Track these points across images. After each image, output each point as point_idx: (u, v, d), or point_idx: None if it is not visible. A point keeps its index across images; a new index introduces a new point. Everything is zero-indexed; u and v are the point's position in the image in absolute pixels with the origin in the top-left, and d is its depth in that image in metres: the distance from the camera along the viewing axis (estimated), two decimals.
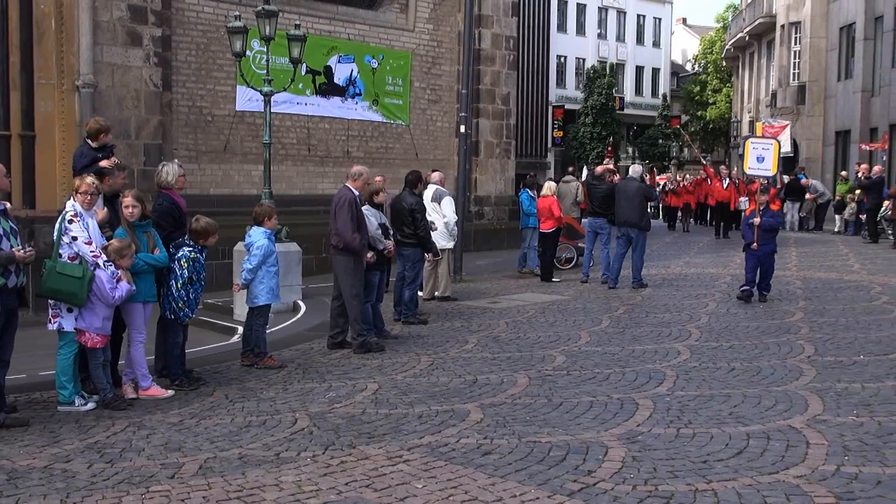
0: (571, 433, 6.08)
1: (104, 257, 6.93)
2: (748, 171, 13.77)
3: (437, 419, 6.55)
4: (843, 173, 27.13)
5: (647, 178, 26.02)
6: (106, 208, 7.39)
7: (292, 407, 7.02)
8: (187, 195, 9.18)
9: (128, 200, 7.32)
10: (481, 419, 6.50)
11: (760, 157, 12.96)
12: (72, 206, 6.96)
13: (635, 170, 15.29)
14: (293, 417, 6.69)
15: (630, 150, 57.44)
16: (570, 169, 25.13)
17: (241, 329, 10.83)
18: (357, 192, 9.38)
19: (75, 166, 8.28)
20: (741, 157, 14.07)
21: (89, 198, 7.01)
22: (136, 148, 14.80)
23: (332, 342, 9.53)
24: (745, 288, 12.29)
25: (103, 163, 7.95)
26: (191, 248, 7.72)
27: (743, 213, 13.41)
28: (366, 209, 9.70)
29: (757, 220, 12.02)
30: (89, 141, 8.33)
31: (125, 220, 7.31)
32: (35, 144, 13.84)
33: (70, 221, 6.88)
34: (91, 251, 6.87)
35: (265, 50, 12.55)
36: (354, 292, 9.25)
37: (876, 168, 22.73)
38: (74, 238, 6.85)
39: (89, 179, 7.11)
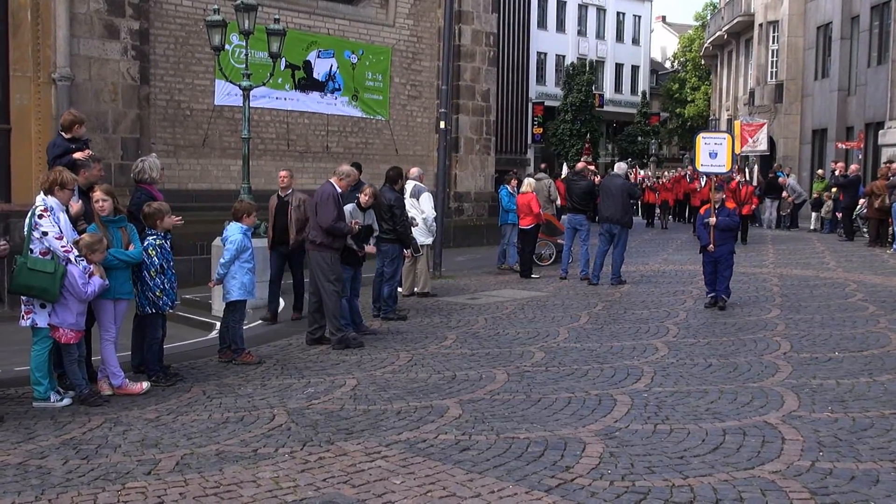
0: (549, 429, 6.10)
1: (76, 252, 6.85)
2: (700, 169, 12.84)
3: (416, 415, 6.54)
4: (820, 171, 27.36)
5: (631, 175, 26.26)
6: (81, 202, 7.32)
7: (270, 403, 6.99)
8: (164, 190, 9.12)
9: (98, 195, 7.23)
10: (460, 415, 6.51)
11: (713, 153, 12.11)
12: (42, 200, 6.86)
13: (620, 167, 15.35)
14: (271, 413, 6.66)
15: (609, 147, 57.67)
16: (543, 166, 25.21)
17: (218, 325, 10.81)
18: (340, 191, 9.38)
19: (48, 158, 8.20)
20: (687, 152, 13.30)
21: (64, 192, 6.94)
22: (113, 142, 14.68)
23: (310, 338, 9.50)
24: (712, 295, 11.66)
25: (77, 155, 7.85)
26: (155, 236, 7.66)
27: (700, 213, 12.78)
28: (351, 207, 9.74)
29: (712, 220, 11.37)
30: (63, 133, 8.24)
31: (96, 214, 7.23)
32: (10, 138, 13.69)
33: (40, 216, 6.78)
34: (62, 246, 6.78)
35: (244, 44, 12.48)
36: (333, 288, 9.23)
37: (853, 167, 22.94)
38: (45, 233, 6.76)
39: (69, 174, 7.03)
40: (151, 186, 8.18)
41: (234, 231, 8.63)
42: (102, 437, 6.10)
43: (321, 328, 9.48)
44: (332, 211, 9.10)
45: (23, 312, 6.90)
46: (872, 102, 27.29)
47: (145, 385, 7.42)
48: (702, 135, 12.58)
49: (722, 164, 12.17)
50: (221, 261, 8.54)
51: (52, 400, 6.89)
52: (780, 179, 25.97)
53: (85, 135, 8.48)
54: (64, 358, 7.04)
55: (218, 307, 11.38)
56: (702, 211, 11.97)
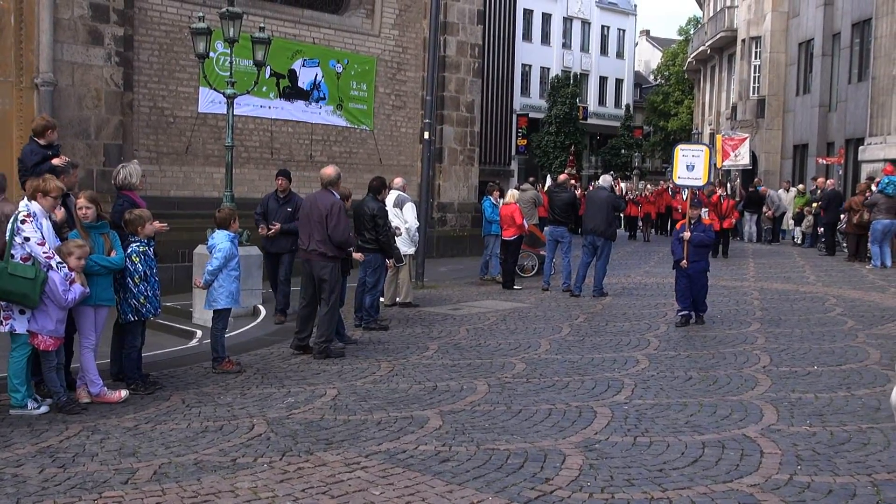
0: (529, 441, 6.10)
1: (57, 258, 6.80)
2: (678, 182, 12.43)
3: (396, 426, 6.53)
4: (801, 186, 27.57)
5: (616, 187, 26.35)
6: (63, 208, 7.27)
7: (250, 412, 6.96)
8: (147, 197, 9.09)
9: (81, 202, 7.20)
10: (440, 426, 6.50)
11: (690, 166, 11.83)
12: (25, 205, 6.82)
13: (605, 179, 15.39)
14: (250, 423, 6.62)
15: (593, 159, 57.92)
16: (531, 179, 25.26)
17: (199, 332, 10.77)
18: (339, 197, 9.43)
19: (26, 164, 8.11)
20: (670, 165, 12.88)
21: (52, 200, 6.91)
22: (95, 148, 14.60)
23: (297, 342, 9.45)
24: (683, 313, 11.23)
25: (56, 161, 7.80)
26: (138, 243, 7.62)
27: (675, 228, 12.44)
28: None
29: (687, 235, 11.06)
30: (36, 139, 8.18)
31: (79, 221, 7.19)
32: None
33: (23, 222, 6.74)
34: (44, 252, 6.73)
35: (229, 52, 12.44)
36: (338, 297, 9.33)
37: (829, 182, 23.12)
38: (27, 238, 6.71)
39: (57, 182, 6.99)
40: (133, 193, 8.14)
41: (221, 239, 8.56)
42: (79, 445, 6.05)
43: (310, 336, 9.45)
44: (346, 224, 9.14)
45: (1, 318, 6.83)
46: (853, 119, 27.56)
47: (124, 393, 7.36)
48: (680, 146, 12.35)
49: (698, 178, 11.91)
50: (209, 268, 8.45)
51: (29, 407, 6.83)
52: (761, 190, 26.15)
53: (56, 140, 8.43)
54: (42, 365, 6.97)
55: (199, 315, 11.34)
56: (678, 226, 11.68)
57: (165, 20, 15.93)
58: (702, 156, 11.92)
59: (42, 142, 8.13)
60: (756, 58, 35.86)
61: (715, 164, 24.64)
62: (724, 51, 41.74)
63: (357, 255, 10.54)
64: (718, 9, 42.29)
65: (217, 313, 8.58)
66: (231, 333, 10.19)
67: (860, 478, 5.32)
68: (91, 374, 7.22)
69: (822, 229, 22.36)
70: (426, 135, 15.67)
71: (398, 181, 13.12)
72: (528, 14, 54.28)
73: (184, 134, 16.29)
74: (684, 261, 11.12)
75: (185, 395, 7.54)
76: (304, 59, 18.19)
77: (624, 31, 62.84)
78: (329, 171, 9.56)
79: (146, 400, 7.35)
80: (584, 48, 59.67)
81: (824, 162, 27.75)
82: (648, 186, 31.66)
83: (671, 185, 28.57)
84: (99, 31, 14.57)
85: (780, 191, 27.38)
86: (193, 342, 10.51)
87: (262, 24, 13.48)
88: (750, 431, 6.32)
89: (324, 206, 9.18)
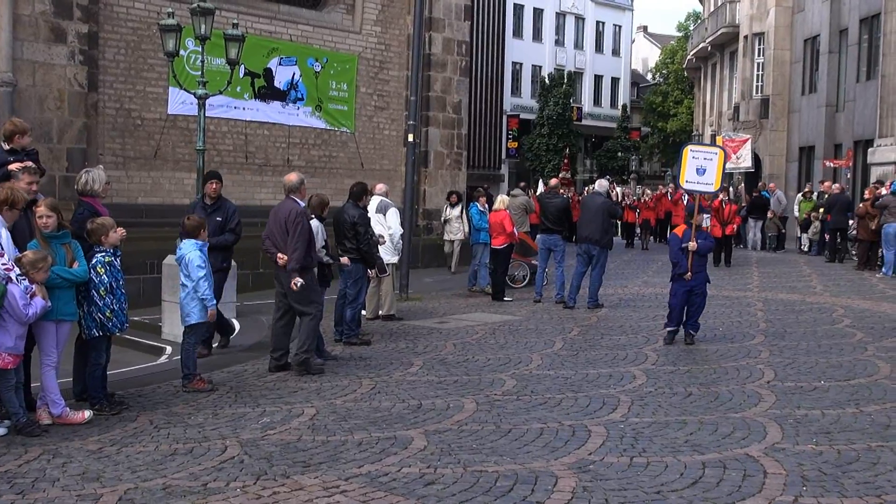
0: (520, 462, 6.11)
1: (17, 270, 6.77)
2: (685, 186, 11.74)
3: (378, 447, 6.52)
4: (806, 189, 27.66)
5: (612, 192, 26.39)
6: None
7: (222, 433, 6.94)
8: (113, 204, 9.07)
9: (41, 210, 7.17)
10: (425, 447, 6.50)
11: (701, 169, 11.23)
12: None
13: (601, 184, 15.41)
14: (223, 445, 6.61)
15: (588, 162, 58.10)
16: (522, 184, 25.31)
17: (169, 349, 10.74)
18: (304, 205, 9.43)
19: None
20: (676, 166, 12.08)
21: (17, 213, 6.90)
22: (58, 152, 14.55)
23: (275, 364, 9.41)
24: (671, 329, 10.98)
25: (13, 166, 7.77)
26: (103, 253, 7.59)
27: (673, 235, 11.62)
28: (313, 223, 9.74)
29: (693, 244, 10.68)
30: (3, 144, 8.16)
31: (38, 230, 7.15)
32: None
33: None
34: (2, 264, 6.70)
35: (200, 50, 12.45)
36: (316, 310, 9.33)
37: (835, 186, 23.27)
38: None
39: (24, 195, 6.99)
40: (95, 200, 8.11)
41: (190, 248, 8.54)
42: (40, 469, 6.01)
43: (287, 353, 9.43)
44: (304, 239, 9.14)
45: None
46: (861, 119, 27.74)
47: (87, 414, 7.32)
48: (690, 147, 11.80)
49: (710, 183, 11.36)
50: (204, 285, 8.41)
51: None
52: (771, 186, 26.26)
53: (30, 145, 8.40)
54: (0, 384, 6.93)
55: (168, 330, 11.31)
56: (678, 233, 11.25)
57: (133, 16, 15.91)
58: (715, 159, 11.35)
59: (7, 147, 8.10)
60: (759, 55, 36.05)
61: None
62: (726, 48, 41.96)
63: (344, 260, 10.62)
64: (719, 3, 42.54)
65: (189, 327, 8.56)
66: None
67: (869, 499, 5.35)
68: (52, 393, 7.18)
69: (828, 235, 22.49)
70: (410, 137, 15.70)
71: (380, 187, 13.14)
72: (518, 9, 54.44)
73: (152, 137, 16.26)
74: (689, 272, 10.79)
75: (154, 416, 7.51)
76: (281, 58, 18.20)
77: (620, 27, 63.12)
78: (291, 176, 9.67)
79: (111, 421, 7.32)
80: (578, 45, 59.88)
81: (832, 165, 27.89)
82: (647, 191, 31.71)
83: (670, 189, 28.66)
84: (62, 28, 14.55)
85: (799, 196, 27.39)
86: (163, 359, 10.48)
87: (235, 21, 13.49)
88: (753, 450, 6.35)
89: (283, 216, 9.26)
